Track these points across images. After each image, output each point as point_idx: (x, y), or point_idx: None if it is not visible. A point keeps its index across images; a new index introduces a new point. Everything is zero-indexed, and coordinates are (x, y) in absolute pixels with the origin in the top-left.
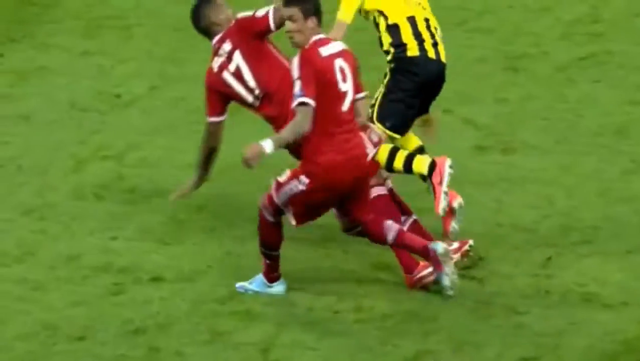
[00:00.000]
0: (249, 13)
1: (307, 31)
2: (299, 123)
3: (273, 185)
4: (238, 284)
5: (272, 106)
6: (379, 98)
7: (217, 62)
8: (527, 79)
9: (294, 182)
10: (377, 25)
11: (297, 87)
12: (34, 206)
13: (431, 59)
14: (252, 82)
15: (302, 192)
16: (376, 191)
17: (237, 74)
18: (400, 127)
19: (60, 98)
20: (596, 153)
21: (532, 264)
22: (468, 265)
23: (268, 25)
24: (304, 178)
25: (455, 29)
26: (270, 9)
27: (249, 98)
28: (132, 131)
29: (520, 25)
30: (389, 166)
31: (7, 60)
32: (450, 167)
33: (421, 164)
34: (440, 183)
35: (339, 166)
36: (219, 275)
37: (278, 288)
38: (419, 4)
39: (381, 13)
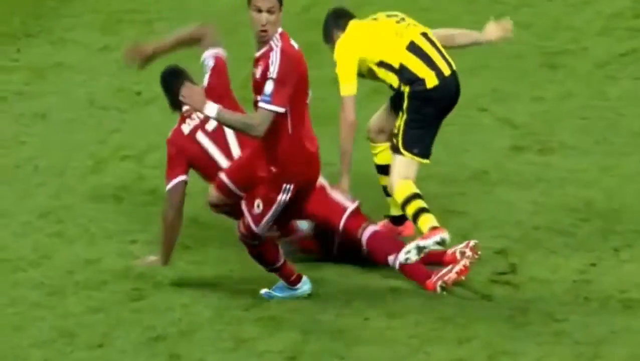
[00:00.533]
0: (206, 74)
1: (278, 23)
2: (254, 126)
3: (248, 220)
4: (263, 290)
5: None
6: (402, 126)
7: (188, 125)
8: (565, 76)
9: (277, 200)
10: (376, 76)
11: (271, 87)
12: (50, 208)
13: (448, 76)
14: (234, 145)
15: (289, 200)
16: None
17: (215, 135)
18: (428, 150)
19: (78, 96)
20: (638, 154)
21: (570, 269)
22: (503, 270)
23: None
24: (287, 186)
25: None
26: (212, 52)
27: (224, 163)
28: (153, 130)
29: (559, 19)
30: (403, 206)
31: (23, 56)
32: (439, 243)
33: (425, 224)
34: (424, 239)
35: (315, 157)
36: (243, 280)
37: (303, 288)
38: (408, 25)
39: (381, 64)
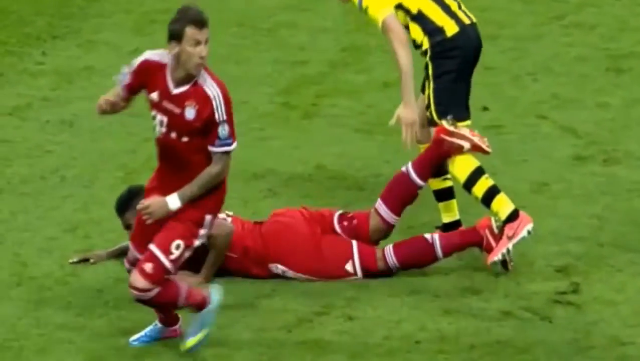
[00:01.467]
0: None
1: None
2: (220, 174)
3: (164, 263)
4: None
5: None
6: (431, 94)
7: None
8: (632, 81)
9: (197, 236)
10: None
11: (226, 130)
12: (78, 222)
13: (468, 25)
14: None
15: (206, 233)
16: None
17: None
18: (465, 111)
19: None
20: None
21: (637, 289)
22: (565, 289)
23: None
24: (208, 220)
25: (552, 23)
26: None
27: None
28: None
29: (626, 20)
30: (467, 186)
31: (50, 60)
32: (529, 232)
33: (503, 206)
34: (511, 238)
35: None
36: (284, 299)
37: (214, 302)
38: None
39: (399, 7)
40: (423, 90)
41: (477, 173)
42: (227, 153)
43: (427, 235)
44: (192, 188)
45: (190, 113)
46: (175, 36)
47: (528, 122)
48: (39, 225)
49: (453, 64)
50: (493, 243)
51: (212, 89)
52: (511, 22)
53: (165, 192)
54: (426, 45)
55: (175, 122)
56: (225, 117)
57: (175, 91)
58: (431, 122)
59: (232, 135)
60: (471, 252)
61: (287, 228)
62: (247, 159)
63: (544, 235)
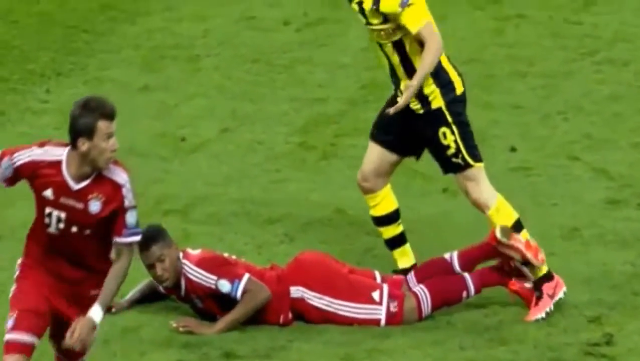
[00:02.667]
0: (206, 282)
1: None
2: (129, 267)
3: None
4: None
5: None
6: (460, 141)
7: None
8: None
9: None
10: (403, 51)
11: (135, 217)
12: None
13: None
14: None
15: None
16: None
17: None
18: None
19: None
20: None
21: None
22: (598, 341)
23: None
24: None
25: (583, 59)
26: (238, 288)
27: None
28: (200, 181)
29: None
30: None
31: (54, 97)
32: (565, 293)
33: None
34: (552, 297)
35: None
36: (301, 351)
37: None
38: None
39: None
40: (378, 138)
41: (517, 226)
42: (135, 241)
43: (446, 255)
44: (109, 293)
45: (95, 206)
46: (85, 132)
47: (558, 163)
48: None
49: (463, 108)
50: (509, 252)
51: (120, 177)
52: (541, 58)
53: (45, 273)
54: (439, 99)
55: (77, 216)
56: (134, 202)
57: (77, 187)
58: (464, 167)
59: (138, 221)
60: (498, 299)
61: (314, 257)
62: (261, 202)
63: (575, 283)
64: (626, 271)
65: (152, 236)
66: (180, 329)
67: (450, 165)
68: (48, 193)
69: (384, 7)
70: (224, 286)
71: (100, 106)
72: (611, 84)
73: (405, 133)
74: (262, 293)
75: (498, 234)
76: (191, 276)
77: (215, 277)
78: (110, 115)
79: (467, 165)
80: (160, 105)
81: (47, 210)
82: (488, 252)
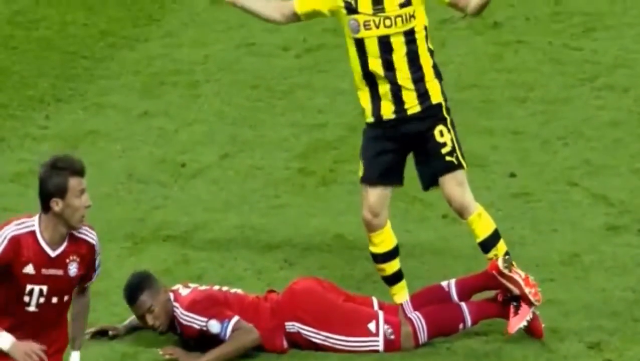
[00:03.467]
0: (196, 324)
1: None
2: (89, 301)
3: None
4: None
5: None
6: (455, 140)
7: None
8: None
9: None
10: (413, 40)
11: (100, 260)
12: None
13: None
14: None
15: None
16: None
17: None
18: None
19: (115, 168)
20: None
21: None
22: None
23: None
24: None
25: (583, 85)
26: (227, 328)
27: None
28: (200, 207)
29: None
30: (491, 241)
31: (53, 124)
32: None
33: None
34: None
35: None
36: None
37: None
38: None
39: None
40: (387, 179)
41: (496, 236)
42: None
43: (443, 283)
44: (81, 330)
45: (73, 268)
46: (57, 192)
47: (558, 189)
48: None
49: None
50: (507, 284)
51: (90, 235)
52: (540, 84)
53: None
54: (443, 106)
55: (59, 285)
56: (100, 250)
57: (55, 253)
58: (457, 166)
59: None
60: (498, 326)
61: (309, 287)
62: (261, 228)
63: (575, 309)
64: (626, 298)
65: (139, 286)
66: (166, 356)
67: (444, 164)
68: (29, 269)
69: None
70: (214, 326)
71: (69, 164)
72: (611, 110)
73: (403, 157)
74: (251, 335)
75: (500, 264)
76: (182, 321)
77: (205, 319)
78: (80, 172)
79: (460, 166)
80: (160, 131)
81: (28, 287)
82: (486, 281)
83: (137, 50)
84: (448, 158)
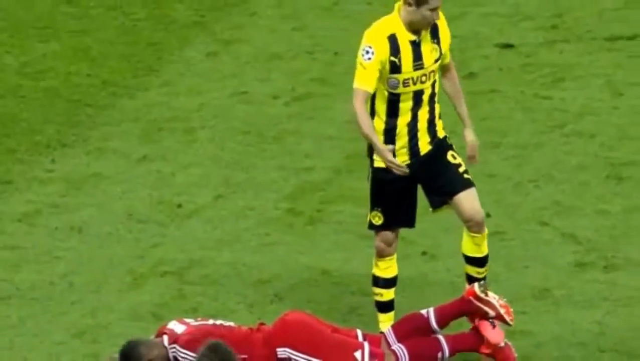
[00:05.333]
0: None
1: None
2: None
3: None
4: None
5: None
6: (464, 166)
7: None
8: (632, 189)
9: None
10: (434, 91)
11: None
12: (86, 327)
13: None
14: None
15: None
16: None
17: None
18: None
19: (116, 209)
20: None
21: None
22: None
23: None
24: None
25: (553, 132)
26: None
27: None
28: (195, 244)
29: (625, 129)
30: (486, 263)
31: (59, 167)
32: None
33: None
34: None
35: None
36: None
37: None
38: None
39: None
40: (405, 222)
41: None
42: None
43: (423, 311)
44: None
45: None
46: None
47: (530, 228)
48: (48, 330)
49: None
50: (484, 308)
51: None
52: (512, 131)
53: None
54: (440, 124)
55: None
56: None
57: None
58: (472, 182)
59: None
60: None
61: (299, 317)
62: (252, 264)
63: (545, 340)
64: (593, 330)
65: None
66: None
67: (464, 181)
68: None
69: (444, 41)
70: None
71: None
72: (578, 155)
73: (415, 192)
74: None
75: (476, 289)
76: (179, 358)
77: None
78: None
79: (474, 183)
80: (158, 174)
81: None
82: (462, 307)
83: (137, 99)
84: (466, 175)
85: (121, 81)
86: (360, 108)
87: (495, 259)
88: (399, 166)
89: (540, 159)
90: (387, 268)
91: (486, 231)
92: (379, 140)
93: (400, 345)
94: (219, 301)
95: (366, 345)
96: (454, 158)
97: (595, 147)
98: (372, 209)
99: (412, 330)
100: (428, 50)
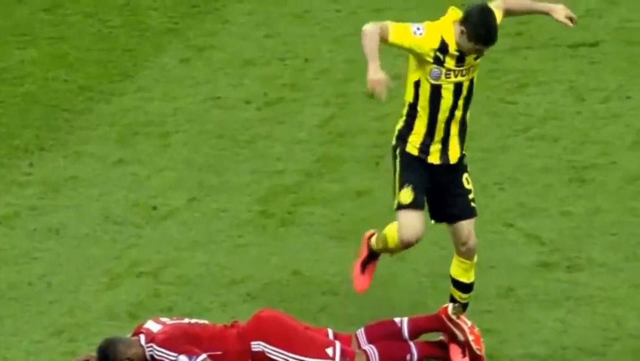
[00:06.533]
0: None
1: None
2: None
3: None
4: None
5: None
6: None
7: None
8: (594, 191)
9: None
10: (471, 93)
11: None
12: (64, 326)
13: None
14: None
15: None
16: None
17: None
18: None
19: (92, 211)
20: None
21: None
22: None
23: None
24: None
25: (517, 136)
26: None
27: None
28: (170, 246)
29: (588, 133)
30: (470, 291)
31: (37, 170)
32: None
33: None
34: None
35: None
36: None
37: None
38: None
39: None
40: (420, 203)
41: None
42: None
43: (397, 319)
44: None
45: None
46: None
47: (495, 229)
48: (26, 329)
49: None
50: (454, 329)
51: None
52: (478, 134)
53: None
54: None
55: None
56: (174, 355)
57: None
58: (476, 213)
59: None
60: None
61: (273, 314)
62: (226, 265)
63: (510, 338)
64: (556, 328)
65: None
66: None
67: (470, 210)
68: None
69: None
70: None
71: None
72: (542, 158)
73: (432, 192)
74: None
75: (450, 310)
76: (156, 356)
77: (176, 354)
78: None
79: (476, 213)
80: (134, 177)
81: None
82: (435, 323)
83: (113, 104)
84: (473, 205)
85: (97, 86)
86: (373, 28)
87: None
88: (380, 85)
89: (505, 162)
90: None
91: (475, 259)
92: (377, 62)
93: (370, 345)
94: (193, 300)
95: (337, 343)
96: (468, 182)
97: (559, 150)
98: (400, 187)
99: (383, 335)
100: (472, 57)
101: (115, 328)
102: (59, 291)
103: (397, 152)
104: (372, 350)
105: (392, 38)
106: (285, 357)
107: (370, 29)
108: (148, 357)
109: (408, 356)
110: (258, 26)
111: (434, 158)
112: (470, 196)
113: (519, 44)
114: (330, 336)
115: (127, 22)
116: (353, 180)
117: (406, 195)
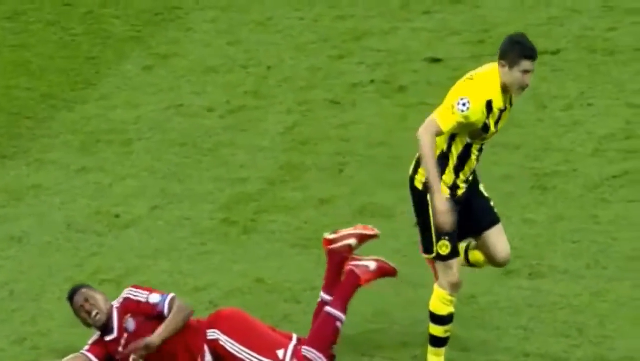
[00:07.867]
0: (139, 297)
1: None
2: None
3: None
4: None
5: None
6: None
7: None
8: (556, 198)
9: None
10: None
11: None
12: (26, 334)
13: None
14: None
15: None
16: None
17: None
18: None
19: (55, 219)
20: (630, 279)
21: None
22: None
23: (160, 312)
24: None
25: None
26: (165, 298)
27: None
28: (132, 253)
29: (549, 141)
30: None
31: None
32: None
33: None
34: None
35: None
36: None
37: None
38: None
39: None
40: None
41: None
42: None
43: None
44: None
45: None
46: None
47: None
48: None
49: None
50: (344, 242)
51: (115, 303)
52: None
53: None
54: None
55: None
56: (146, 292)
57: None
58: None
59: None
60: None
61: (235, 309)
62: (188, 273)
63: (472, 346)
64: (518, 335)
65: (75, 290)
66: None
67: (495, 215)
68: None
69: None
70: (154, 298)
71: None
72: (504, 166)
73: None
74: (188, 307)
75: (325, 235)
76: (124, 300)
77: (147, 293)
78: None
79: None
80: (96, 185)
81: None
82: (333, 262)
83: (75, 112)
84: (495, 209)
85: (60, 94)
86: (430, 141)
87: (423, 267)
88: (445, 217)
89: None
90: (452, 302)
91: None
92: (442, 191)
93: (304, 346)
94: None
95: (292, 345)
96: (484, 190)
97: (520, 158)
98: (438, 240)
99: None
100: (507, 116)
101: (77, 335)
102: (21, 299)
103: (429, 197)
104: (307, 350)
105: (444, 128)
106: (237, 349)
107: (425, 140)
108: (116, 309)
109: (337, 323)
110: (220, 33)
111: (461, 190)
112: (491, 202)
113: (480, 51)
114: (294, 341)
115: (89, 29)
116: (316, 188)
117: (443, 247)
